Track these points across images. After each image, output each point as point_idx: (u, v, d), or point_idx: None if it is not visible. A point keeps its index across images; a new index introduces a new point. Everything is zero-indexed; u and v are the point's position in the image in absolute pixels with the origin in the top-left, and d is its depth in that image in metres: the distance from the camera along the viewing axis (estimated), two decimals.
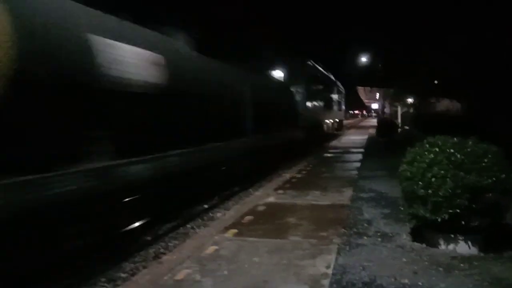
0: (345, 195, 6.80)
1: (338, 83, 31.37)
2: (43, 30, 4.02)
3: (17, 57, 3.61)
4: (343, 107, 37.96)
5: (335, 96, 29.08)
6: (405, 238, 4.37)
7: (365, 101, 79.21)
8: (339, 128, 31.14)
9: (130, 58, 5.24)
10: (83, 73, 4.44)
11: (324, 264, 3.69)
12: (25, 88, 3.71)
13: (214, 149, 7.76)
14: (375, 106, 71.80)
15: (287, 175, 9.37)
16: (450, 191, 3.54)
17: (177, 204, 6.36)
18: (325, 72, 24.47)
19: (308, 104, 18.44)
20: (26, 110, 3.77)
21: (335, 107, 29.49)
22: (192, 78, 7.05)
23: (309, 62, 19.48)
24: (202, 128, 7.22)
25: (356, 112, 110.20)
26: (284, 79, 16.99)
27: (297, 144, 14.56)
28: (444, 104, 18.30)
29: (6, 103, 3.54)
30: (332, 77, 27.90)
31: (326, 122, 24.00)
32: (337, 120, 30.26)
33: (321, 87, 22.69)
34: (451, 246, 3.87)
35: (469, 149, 3.77)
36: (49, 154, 3.95)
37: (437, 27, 12.16)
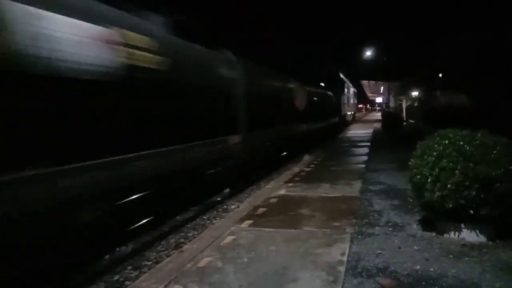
0: (355, 188, 6.96)
1: (350, 84, 40.21)
2: None
3: None
4: (356, 102, 51.30)
5: (351, 95, 38.91)
6: (415, 227, 4.54)
7: (369, 95, 79.15)
8: (353, 118, 41.19)
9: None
10: None
11: (339, 252, 3.87)
12: None
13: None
14: (379, 99, 71.71)
15: (295, 169, 9.54)
16: (457, 183, 3.69)
17: (191, 197, 6.55)
18: (344, 78, 32.66)
19: (341, 101, 28.94)
20: None
21: (351, 103, 39.54)
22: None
23: (340, 74, 29.19)
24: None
25: (360, 106, 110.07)
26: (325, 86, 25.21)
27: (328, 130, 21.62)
28: (448, 97, 18.36)
29: None
30: (348, 81, 36.46)
31: (347, 114, 34.39)
32: (353, 113, 42.21)
33: (345, 89, 32.21)
34: (461, 235, 4.03)
35: (478, 141, 3.91)
36: None
37: (450, 22, 12.24)
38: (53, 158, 3.83)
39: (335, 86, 26.51)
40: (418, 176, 4.10)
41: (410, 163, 4.36)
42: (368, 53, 27.10)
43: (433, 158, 3.96)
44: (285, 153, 12.73)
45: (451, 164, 3.84)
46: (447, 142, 4.00)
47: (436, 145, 4.06)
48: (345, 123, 30.09)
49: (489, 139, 3.94)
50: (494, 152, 3.81)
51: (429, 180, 3.95)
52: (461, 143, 3.91)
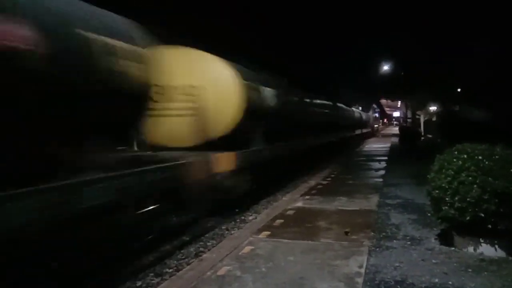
0: (372, 201, 6.97)
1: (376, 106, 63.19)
2: None
3: None
4: (378, 118, 73.80)
5: (376, 114, 65.88)
6: (433, 241, 4.54)
7: (386, 109, 78.61)
8: (377, 130, 55.33)
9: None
10: None
11: (356, 264, 3.91)
12: None
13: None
14: (396, 114, 71.19)
15: (312, 182, 9.58)
16: (476, 197, 3.71)
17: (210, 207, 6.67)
18: (374, 105, 53.37)
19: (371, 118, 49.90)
20: None
21: (376, 119, 63.06)
22: None
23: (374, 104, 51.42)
24: None
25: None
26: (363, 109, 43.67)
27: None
28: (467, 112, 18.17)
29: None
30: (376, 106, 60.40)
31: (374, 126, 51.22)
32: (377, 126, 60.73)
33: (371, 110, 55.90)
34: (479, 249, 4.02)
35: (497, 156, 3.94)
36: None
37: (465, 34, 12.23)
38: None
39: (368, 109, 50.52)
40: (437, 190, 4.13)
41: (428, 176, 4.40)
42: (385, 67, 27.13)
43: (452, 172, 4.00)
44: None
45: (470, 178, 3.87)
46: (465, 156, 4.03)
47: (455, 160, 4.10)
48: (373, 132, 45.91)
49: (507, 154, 3.95)
50: None
51: (448, 193, 3.98)
52: (480, 157, 3.94)
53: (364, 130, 36.09)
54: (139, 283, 4.22)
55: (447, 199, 3.97)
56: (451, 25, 12.87)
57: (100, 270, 4.09)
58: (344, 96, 26.81)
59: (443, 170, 4.11)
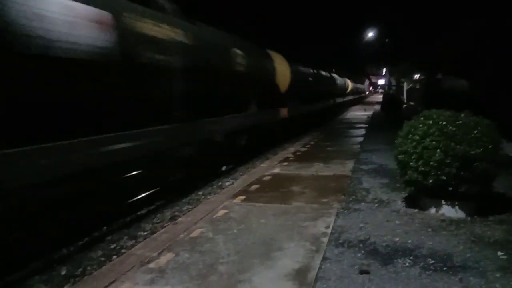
0: (347, 167, 7.15)
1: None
2: None
3: None
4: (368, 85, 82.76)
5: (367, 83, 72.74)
6: (399, 204, 4.74)
7: (371, 76, 78.80)
8: (365, 95, 65.20)
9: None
10: None
11: (324, 225, 4.08)
12: None
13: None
14: (381, 82, 71.47)
15: (291, 149, 9.72)
16: (439, 160, 3.87)
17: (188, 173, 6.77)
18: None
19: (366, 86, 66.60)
20: None
21: (367, 86, 71.52)
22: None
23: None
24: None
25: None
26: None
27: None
28: (449, 81, 18.36)
29: None
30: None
31: (366, 92, 61.56)
32: (368, 92, 74.44)
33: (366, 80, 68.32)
34: (441, 211, 4.23)
35: (460, 122, 4.07)
36: None
37: (454, 8, 12.18)
38: None
39: (362, 79, 58.78)
40: (403, 155, 4.28)
41: (396, 141, 4.53)
42: (370, 34, 26.93)
43: (418, 137, 4.13)
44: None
45: (433, 143, 4.01)
46: (431, 122, 4.15)
47: (420, 125, 4.22)
48: (365, 95, 59.36)
49: (471, 120, 4.09)
50: (475, 132, 3.98)
51: (412, 158, 4.13)
52: (444, 123, 4.07)
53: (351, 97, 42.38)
54: (113, 245, 4.35)
55: (411, 163, 4.12)
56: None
57: (74, 231, 4.19)
58: (339, 70, 31.41)
59: (409, 136, 4.23)
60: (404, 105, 25.32)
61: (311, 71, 18.35)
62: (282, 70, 12.56)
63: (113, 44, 4.55)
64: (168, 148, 5.91)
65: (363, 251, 3.40)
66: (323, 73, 21.91)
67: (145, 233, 4.66)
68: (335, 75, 27.59)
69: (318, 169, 7.06)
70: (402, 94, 32.08)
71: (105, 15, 4.48)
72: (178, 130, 6.06)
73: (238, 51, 8.70)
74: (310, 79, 17.76)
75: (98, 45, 4.32)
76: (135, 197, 5.55)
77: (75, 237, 4.27)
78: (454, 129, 3.99)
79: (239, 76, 8.61)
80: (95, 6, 4.36)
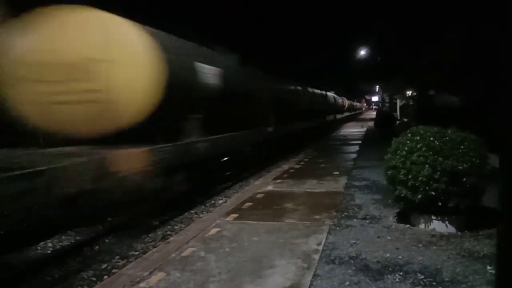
0: (340, 183, 7.19)
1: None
2: None
3: None
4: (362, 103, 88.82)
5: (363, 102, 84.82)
6: (391, 220, 4.77)
7: (365, 94, 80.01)
8: (362, 111, 74.32)
9: None
10: None
11: (315, 242, 4.09)
12: None
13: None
14: (375, 98, 72.30)
15: (285, 166, 9.76)
16: (427, 175, 3.92)
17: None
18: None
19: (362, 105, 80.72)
20: None
21: (361, 105, 79.92)
22: None
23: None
24: None
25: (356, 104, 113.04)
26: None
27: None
28: (440, 96, 18.65)
29: None
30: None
31: (361, 109, 74.32)
32: (363, 109, 79.94)
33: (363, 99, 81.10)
34: (431, 226, 4.26)
35: (447, 137, 4.14)
36: None
37: (436, 21, 12.46)
38: None
39: (358, 98, 68.01)
40: (391, 170, 4.33)
41: (385, 157, 4.59)
42: (362, 52, 27.40)
43: (405, 153, 4.19)
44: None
45: (421, 158, 4.07)
46: (418, 138, 4.22)
47: (408, 141, 4.29)
48: (361, 111, 67.32)
49: (457, 135, 4.17)
50: (462, 147, 4.05)
51: (401, 173, 4.18)
52: (431, 138, 4.14)
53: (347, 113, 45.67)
54: (104, 265, 4.32)
55: (401, 177, 4.17)
56: (423, 13, 13.10)
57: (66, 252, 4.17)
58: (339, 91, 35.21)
59: (398, 152, 4.30)
60: (398, 121, 25.58)
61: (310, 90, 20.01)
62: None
63: (222, 84, 7.97)
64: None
65: (353, 267, 3.41)
66: (319, 92, 23.53)
67: (137, 252, 4.64)
68: (335, 95, 31.23)
69: (312, 185, 7.09)
70: (396, 111, 32.41)
71: (220, 70, 8.00)
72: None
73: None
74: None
75: (217, 84, 7.69)
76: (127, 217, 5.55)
77: (67, 256, 4.25)
78: (440, 144, 4.06)
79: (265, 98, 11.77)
80: (216, 66, 7.83)
